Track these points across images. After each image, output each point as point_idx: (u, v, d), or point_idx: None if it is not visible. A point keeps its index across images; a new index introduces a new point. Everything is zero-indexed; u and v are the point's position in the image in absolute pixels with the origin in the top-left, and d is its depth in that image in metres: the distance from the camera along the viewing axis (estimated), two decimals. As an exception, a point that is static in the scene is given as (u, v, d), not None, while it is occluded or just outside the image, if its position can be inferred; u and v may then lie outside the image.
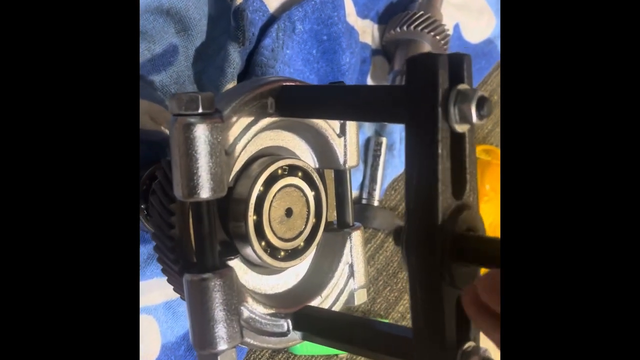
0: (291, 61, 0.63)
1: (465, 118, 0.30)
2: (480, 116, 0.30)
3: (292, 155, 0.45)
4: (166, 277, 0.43)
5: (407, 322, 0.81)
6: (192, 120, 0.35)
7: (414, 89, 0.30)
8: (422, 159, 0.30)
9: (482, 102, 0.30)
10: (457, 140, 0.31)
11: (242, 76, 0.60)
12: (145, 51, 0.52)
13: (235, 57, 0.57)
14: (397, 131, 0.73)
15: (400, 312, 0.81)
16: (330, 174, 0.48)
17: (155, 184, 0.40)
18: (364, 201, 0.72)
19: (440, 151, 0.30)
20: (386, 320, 0.77)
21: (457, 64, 0.31)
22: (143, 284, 0.53)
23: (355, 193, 0.73)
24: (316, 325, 0.40)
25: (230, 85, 0.57)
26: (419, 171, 0.30)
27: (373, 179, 0.72)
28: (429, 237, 0.30)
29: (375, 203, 0.72)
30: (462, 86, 0.30)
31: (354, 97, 0.36)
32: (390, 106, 0.33)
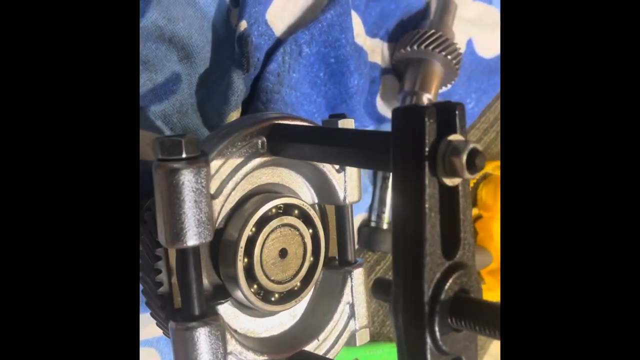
0: (298, 84, 0.61)
1: (455, 172, 0.28)
2: (471, 170, 0.28)
3: (290, 192, 0.44)
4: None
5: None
6: (176, 165, 0.34)
7: (400, 141, 0.29)
8: (408, 214, 0.28)
9: (473, 155, 0.28)
10: (449, 194, 0.29)
11: (248, 102, 0.59)
12: (147, 81, 0.52)
13: (239, 85, 0.56)
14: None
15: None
16: (331, 209, 0.46)
17: (143, 226, 0.39)
18: (372, 224, 0.70)
19: (427, 208, 0.28)
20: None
21: (449, 114, 0.29)
22: (144, 317, 0.52)
23: (363, 215, 0.71)
24: (309, 373, 0.39)
25: (235, 113, 0.56)
26: (404, 227, 0.28)
27: (382, 201, 0.70)
28: (415, 301, 0.28)
29: (385, 226, 0.70)
30: (454, 137, 0.28)
31: (343, 140, 0.34)
32: (379, 153, 0.32)
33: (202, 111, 0.56)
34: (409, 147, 0.28)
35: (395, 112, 0.29)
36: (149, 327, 0.52)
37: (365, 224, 0.70)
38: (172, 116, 0.53)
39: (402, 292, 0.29)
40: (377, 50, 0.70)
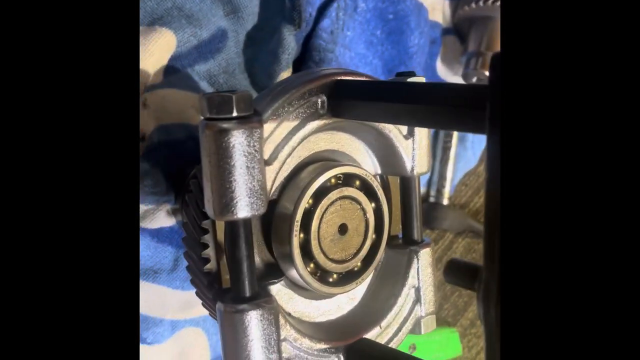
0: (352, 44, 0.56)
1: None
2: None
3: (350, 160, 0.38)
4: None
5: (477, 329, 0.74)
6: (225, 125, 0.29)
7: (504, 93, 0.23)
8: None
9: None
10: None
11: (299, 62, 0.54)
12: (191, 37, 0.47)
13: (291, 41, 0.51)
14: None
15: (469, 319, 0.74)
16: (395, 180, 0.41)
17: (189, 196, 0.35)
18: (432, 199, 0.64)
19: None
20: (454, 329, 0.70)
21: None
22: (188, 295, 0.48)
23: (422, 190, 0.66)
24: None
25: (285, 73, 0.51)
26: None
27: (442, 175, 0.64)
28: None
29: (445, 202, 0.64)
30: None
31: (420, 96, 0.29)
32: (469, 109, 0.26)
33: (250, 71, 0.51)
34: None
35: (495, 57, 0.23)
36: (195, 307, 0.48)
37: (424, 199, 0.65)
38: (218, 76, 0.49)
39: (497, 279, 0.24)
40: (437, 8, 0.64)
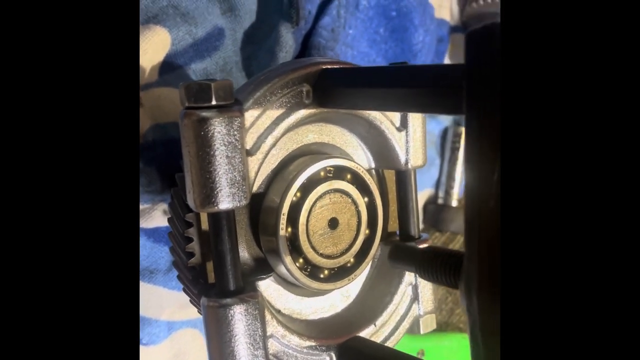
0: (354, 42, 0.55)
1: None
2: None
3: (342, 153, 0.38)
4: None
5: (493, 336, 0.71)
6: (204, 114, 0.29)
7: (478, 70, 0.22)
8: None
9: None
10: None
11: (298, 61, 0.54)
12: (187, 35, 0.47)
13: (289, 39, 0.50)
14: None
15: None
16: (391, 175, 0.40)
17: (174, 190, 0.34)
18: (440, 201, 0.63)
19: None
20: (466, 334, 0.68)
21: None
22: (186, 296, 0.48)
23: (430, 191, 0.64)
24: (364, 362, 0.33)
25: (284, 71, 0.50)
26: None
27: (451, 176, 0.62)
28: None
29: (454, 203, 0.62)
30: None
31: (406, 78, 0.27)
32: (451, 91, 0.25)
33: (247, 70, 0.50)
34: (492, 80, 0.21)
35: (470, 35, 0.22)
36: (191, 308, 0.47)
37: (432, 201, 0.63)
38: (215, 75, 0.48)
39: (476, 267, 0.23)
40: (445, 5, 0.63)
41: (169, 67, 0.46)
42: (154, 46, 0.44)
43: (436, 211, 0.62)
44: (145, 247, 0.44)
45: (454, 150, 0.63)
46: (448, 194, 0.63)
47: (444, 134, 0.63)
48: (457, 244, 0.66)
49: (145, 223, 0.44)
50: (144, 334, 0.44)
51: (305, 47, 0.53)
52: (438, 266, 0.32)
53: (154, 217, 0.44)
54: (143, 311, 0.45)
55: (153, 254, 0.44)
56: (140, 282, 0.44)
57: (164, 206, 0.44)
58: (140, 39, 0.43)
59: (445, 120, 0.64)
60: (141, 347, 0.44)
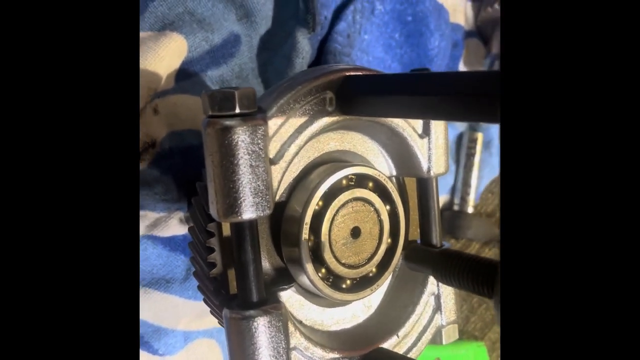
0: (370, 48, 0.54)
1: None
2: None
3: (362, 161, 0.37)
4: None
5: (508, 344, 0.71)
6: (228, 122, 0.28)
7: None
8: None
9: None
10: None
11: (314, 66, 0.53)
12: (203, 42, 0.46)
13: (305, 45, 0.50)
14: (495, 125, 0.62)
15: (498, 332, 0.70)
16: (412, 183, 0.39)
17: (195, 199, 0.34)
18: (456, 207, 0.62)
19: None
20: (482, 342, 0.68)
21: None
22: (203, 305, 0.47)
23: (445, 197, 0.63)
24: (388, 375, 0.32)
25: (299, 77, 0.50)
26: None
27: (466, 182, 0.62)
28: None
29: (470, 210, 0.62)
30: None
31: (432, 86, 0.27)
32: (484, 97, 0.24)
33: (263, 77, 0.50)
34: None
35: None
36: (207, 318, 0.47)
37: (448, 207, 0.63)
38: (231, 82, 0.48)
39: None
40: (459, 10, 0.62)
41: (185, 74, 0.45)
42: (170, 53, 0.43)
43: (452, 218, 0.62)
44: (162, 256, 0.44)
45: (470, 156, 0.62)
46: (464, 200, 0.62)
47: (459, 140, 0.63)
48: (473, 251, 0.65)
49: (162, 232, 0.43)
50: (160, 344, 0.44)
51: (321, 52, 0.53)
52: (464, 271, 0.31)
53: (170, 225, 0.43)
54: (159, 321, 0.44)
55: (169, 263, 0.44)
56: (156, 291, 0.44)
57: (181, 214, 0.44)
58: (157, 45, 0.43)
59: (461, 126, 0.63)
60: (158, 358, 0.44)
